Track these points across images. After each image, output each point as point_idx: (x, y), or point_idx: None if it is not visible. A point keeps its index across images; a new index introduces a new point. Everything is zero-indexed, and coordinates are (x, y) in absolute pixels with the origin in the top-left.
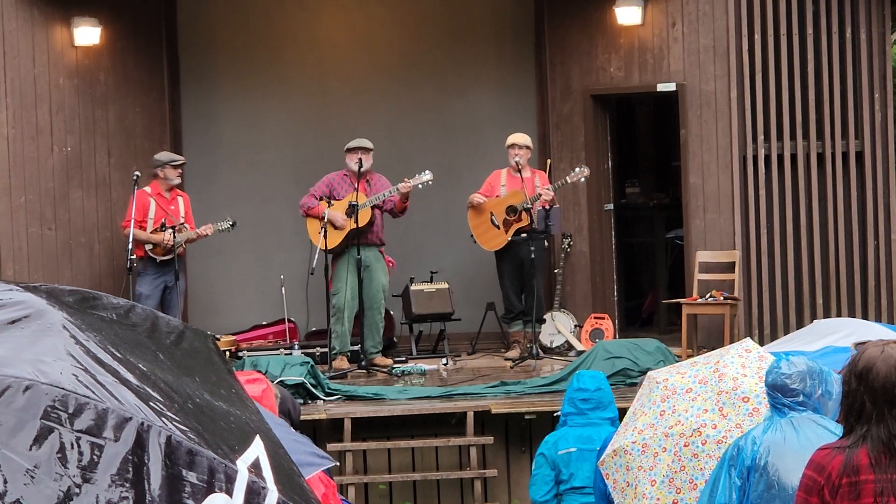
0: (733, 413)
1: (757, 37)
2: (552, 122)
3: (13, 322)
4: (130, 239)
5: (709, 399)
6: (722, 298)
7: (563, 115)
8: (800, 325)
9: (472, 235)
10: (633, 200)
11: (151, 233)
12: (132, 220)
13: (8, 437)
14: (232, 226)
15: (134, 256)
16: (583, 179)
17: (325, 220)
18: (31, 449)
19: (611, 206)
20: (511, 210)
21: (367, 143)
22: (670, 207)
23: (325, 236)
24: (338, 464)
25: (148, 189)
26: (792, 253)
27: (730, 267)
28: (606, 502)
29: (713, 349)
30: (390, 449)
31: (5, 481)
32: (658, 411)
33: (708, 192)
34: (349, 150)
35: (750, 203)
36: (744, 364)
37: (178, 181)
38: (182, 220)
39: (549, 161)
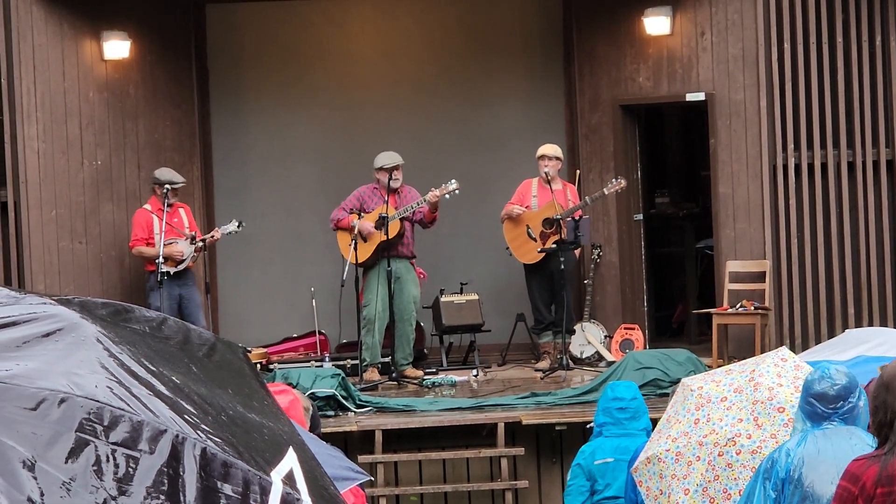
0: (768, 423)
1: (786, 45)
2: (581, 132)
3: (47, 335)
4: (160, 251)
5: (744, 408)
6: (752, 308)
7: (591, 125)
8: (831, 334)
9: (507, 248)
10: (662, 210)
11: (166, 246)
12: (151, 237)
13: (44, 450)
14: (238, 226)
15: (164, 269)
16: (619, 190)
17: (356, 230)
18: (66, 462)
19: (640, 217)
20: (548, 223)
21: (400, 160)
22: (700, 217)
23: (355, 249)
24: (372, 478)
25: (148, 206)
26: (823, 262)
27: (760, 277)
28: None
29: (744, 360)
30: (421, 461)
31: (42, 494)
32: (692, 419)
33: (738, 202)
34: (380, 170)
35: (780, 212)
36: (779, 373)
37: (173, 200)
38: (188, 230)
39: (577, 172)
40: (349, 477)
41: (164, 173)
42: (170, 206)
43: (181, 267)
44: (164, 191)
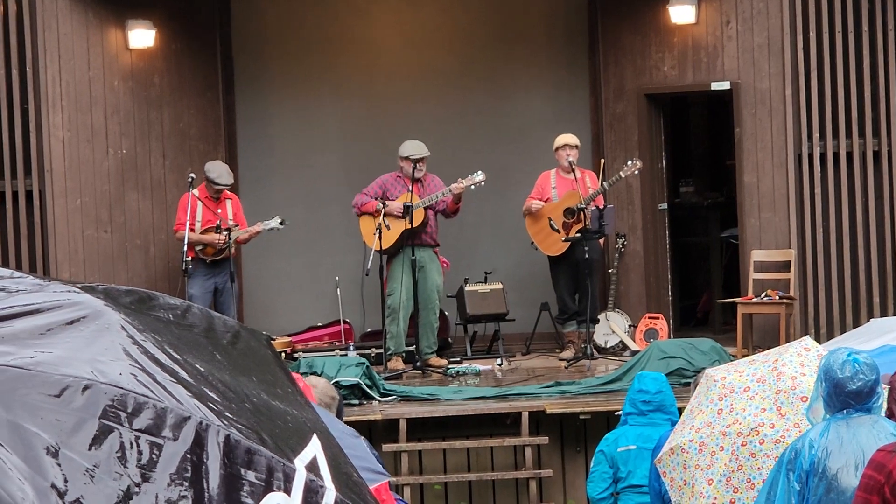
0: (791, 412)
1: (812, 34)
2: (606, 121)
3: (71, 323)
4: (185, 241)
5: (767, 398)
6: (777, 298)
7: (616, 114)
8: (856, 323)
9: (532, 243)
10: (687, 200)
11: (202, 234)
12: (186, 223)
13: (68, 437)
14: (281, 223)
15: (189, 258)
16: (636, 173)
17: (382, 213)
18: (90, 448)
19: (665, 206)
20: (569, 212)
21: (426, 152)
22: (725, 206)
23: (379, 237)
24: (392, 478)
25: (195, 192)
26: (848, 251)
27: (785, 266)
28: (661, 502)
29: (768, 349)
30: (445, 449)
31: (66, 480)
32: (715, 410)
33: (763, 191)
34: (406, 159)
35: (805, 201)
36: (802, 363)
37: (217, 196)
38: (232, 221)
39: (602, 161)
40: (368, 479)
41: (214, 169)
42: (216, 197)
43: (219, 256)
44: (189, 181)
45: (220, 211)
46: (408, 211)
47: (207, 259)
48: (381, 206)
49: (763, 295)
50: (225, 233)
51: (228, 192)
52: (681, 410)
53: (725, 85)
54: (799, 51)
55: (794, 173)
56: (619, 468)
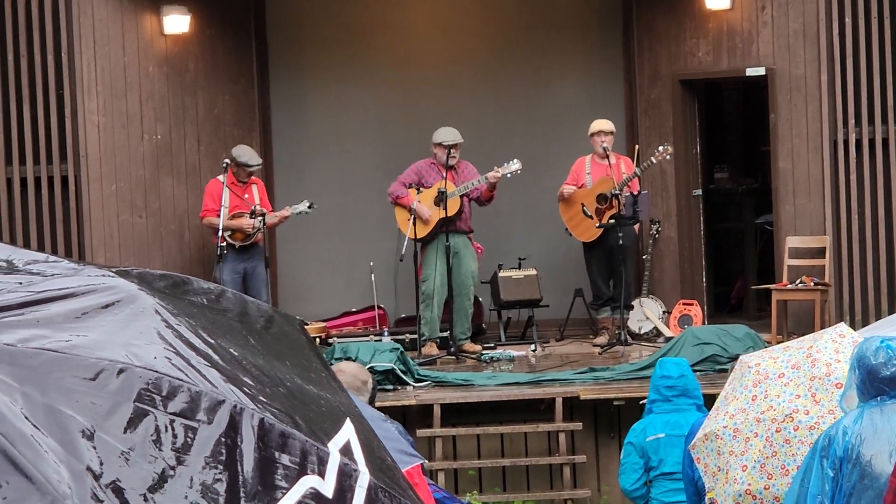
0: (826, 399)
1: (847, 20)
2: (640, 107)
3: (106, 307)
4: (221, 226)
5: (801, 384)
6: (812, 284)
7: (651, 100)
8: (891, 310)
9: (566, 229)
10: (721, 186)
11: (230, 219)
12: (221, 208)
13: (103, 420)
14: (309, 207)
15: (224, 244)
16: (668, 157)
17: (414, 211)
18: (125, 431)
19: (699, 192)
20: (602, 198)
21: (460, 138)
22: (759, 192)
23: (414, 224)
24: (426, 461)
25: (222, 178)
26: (883, 237)
27: (820, 252)
28: (694, 488)
29: (803, 336)
30: (479, 435)
31: (101, 463)
32: (750, 396)
33: (798, 177)
34: (440, 145)
35: (841, 188)
36: (837, 349)
37: (247, 179)
38: (259, 206)
39: (636, 147)
40: (401, 461)
41: (241, 153)
42: (243, 182)
43: (248, 241)
44: (224, 165)
45: (246, 196)
46: (442, 198)
47: (237, 244)
48: (413, 205)
49: (798, 281)
50: (259, 218)
51: (254, 177)
52: (715, 397)
53: (760, 71)
54: (834, 36)
55: (829, 159)
56: (650, 457)
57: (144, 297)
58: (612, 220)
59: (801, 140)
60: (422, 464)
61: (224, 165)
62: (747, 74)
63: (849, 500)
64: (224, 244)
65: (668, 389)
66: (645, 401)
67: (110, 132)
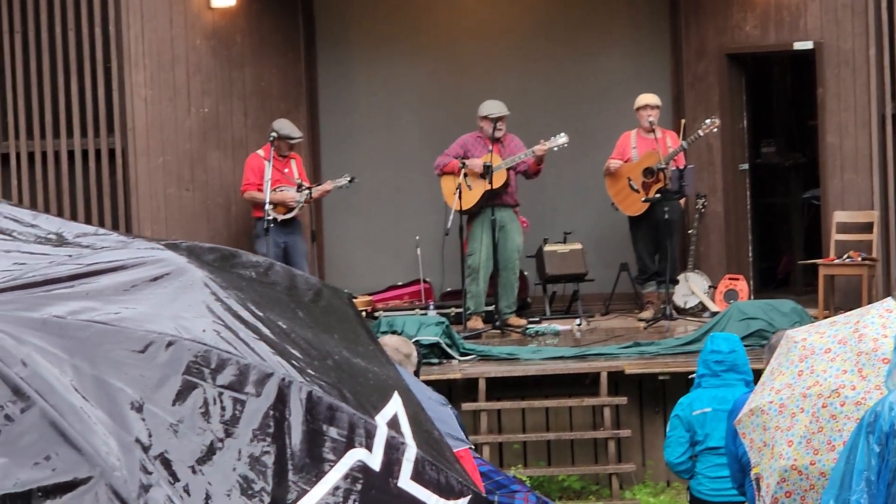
0: (873, 374)
1: None
2: (686, 81)
3: (155, 279)
4: (267, 198)
5: (848, 360)
6: (860, 259)
7: (697, 74)
8: None
9: (612, 203)
10: (768, 160)
11: (278, 192)
12: (262, 183)
13: (152, 392)
14: (350, 181)
15: (272, 217)
16: (715, 131)
17: (463, 172)
18: (174, 404)
19: (746, 166)
20: (648, 172)
21: (506, 111)
22: (806, 167)
23: (460, 197)
24: (472, 446)
25: (261, 152)
26: None
27: (868, 227)
28: (738, 465)
29: (850, 311)
30: (524, 409)
31: (150, 435)
32: (796, 371)
33: (845, 152)
34: (486, 118)
35: (889, 162)
36: (885, 325)
37: (287, 153)
38: (299, 180)
39: (682, 121)
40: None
41: (282, 126)
42: (283, 156)
43: (290, 215)
44: (271, 138)
45: (286, 170)
46: (488, 171)
47: (280, 218)
48: (462, 165)
49: (845, 256)
50: (306, 191)
51: (292, 153)
52: (756, 371)
53: (808, 45)
54: (883, 10)
55: (877, 134)
56: (696, 431)
57: (194, 270)
58: (657, 195)
59: (848, 114)
60: (469, 448)
61: (271, 138)
62: (795, 48)
63: (895, 476)
64: (270, 218)
65: (717, 364)
66: (693, 375)
67: (157, 105)
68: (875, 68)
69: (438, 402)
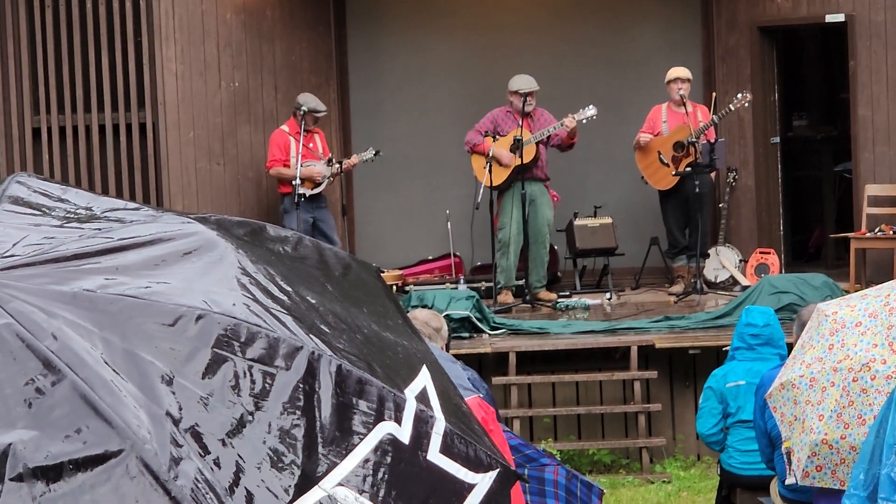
0: None
1: None
2: (717, 54)
3: (185, 254)
4: (298, 173)
5: (879, 333)
6: (891, 232)
7: (728, 47)
8: None
9: (642, 177)
10: (800, 133)
11: (304, 168)
12: (288, 159)
13: (182, 366)
14: (375, 154)
15: (302, 190)
16: (746, 105)
17: (490, 156)
18: (204, 377)
19: (777, 140)
20: (678, 146)
21: (536, 85)
22: (838, 140)
23: (490, 172)
24: (480, 394)
25: (285, 128)
26: None
27: None
28: (767, 439)
29: (881, 284)
30: (555, 383)
31: (180, 408)
32: (826, 345)
33: (877, 125)
34: (516, 93)
35: None
36: None
37: (312, 127)
38: (329, 156)
39: (713, 94)
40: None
41: (308, 100)
42: (307, 130)
43: (318, 189)
44: (301, 113)
45: (311, 145)
46: (518, 145)
47: (308, 193)
48: (490, 150)
49: (877, 230)
50: (336, 165)
51: (316, 128)
52: (789, 346)
53: (840, 17)
54: None
55: None
56: (729, 404)
57: (224, 244)
58: (688, 168)
59: (880, 87)
60: (479, 396)
61: (301, 112)
62: (826, 21)
63: None
64: (302, 192)
65: (752, 338)
66: (727, 347)
67: (188, 79)
68: None
69: (448, 359)
